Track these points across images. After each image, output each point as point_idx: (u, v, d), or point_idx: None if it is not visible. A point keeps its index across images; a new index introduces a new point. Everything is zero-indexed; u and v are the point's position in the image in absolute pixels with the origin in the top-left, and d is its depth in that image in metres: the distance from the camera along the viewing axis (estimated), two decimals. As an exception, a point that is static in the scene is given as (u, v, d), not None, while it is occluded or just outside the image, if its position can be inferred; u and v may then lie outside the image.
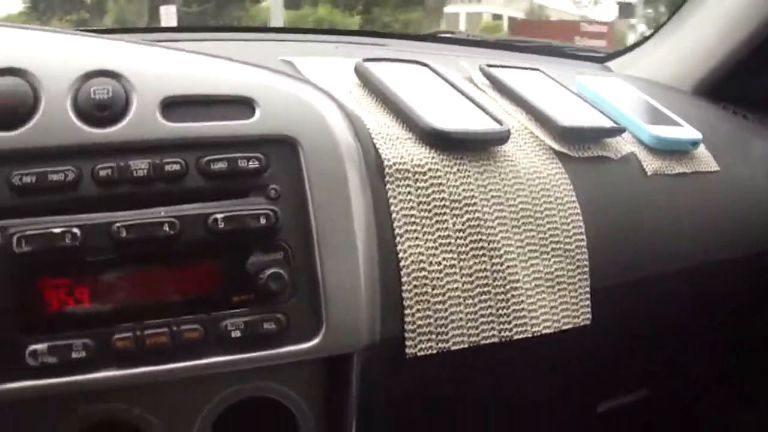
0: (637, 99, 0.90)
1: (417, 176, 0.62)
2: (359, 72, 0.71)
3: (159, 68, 0.57)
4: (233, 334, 0.53)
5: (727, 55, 1.05)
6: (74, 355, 0.50)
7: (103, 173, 0.52)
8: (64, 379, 0.50)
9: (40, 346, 0.49)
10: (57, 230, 0.50)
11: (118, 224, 0.51)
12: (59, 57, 0.54)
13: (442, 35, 1.09)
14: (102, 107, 0.53)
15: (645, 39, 1.12)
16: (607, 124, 0.78)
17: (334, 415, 0.59)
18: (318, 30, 1.15)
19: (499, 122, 0.69)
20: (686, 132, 0.86)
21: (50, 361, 0.49)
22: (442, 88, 0.73)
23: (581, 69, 1.06)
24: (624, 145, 0.80)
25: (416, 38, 1.09)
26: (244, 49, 0.86)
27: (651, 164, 0.80)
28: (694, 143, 0.85)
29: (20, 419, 0.51)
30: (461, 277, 0.63)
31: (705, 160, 0.86)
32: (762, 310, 0.94)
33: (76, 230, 0.50)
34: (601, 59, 1.12)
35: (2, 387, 0.48)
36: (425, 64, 0.76)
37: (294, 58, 0.74)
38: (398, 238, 0.61)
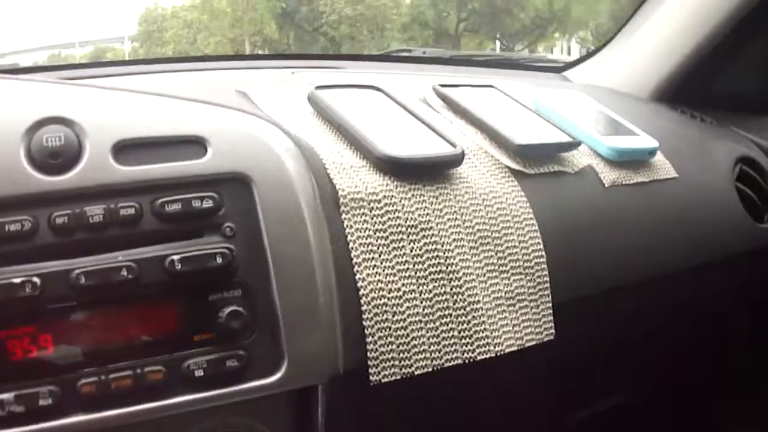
0: (594, 110, 0.91)
1: (372, 204, 0.63)
2: (312, 100, 0.71)
3: (110, 112, 0.57)
4: (196, 374, 0.53)
5: (682, 58, 1.06)
6: (41, 402, 0.50)
7: (59, 221, 0.52)
8: (31, 427, 0.50)
9: (6, 396, 0.49)
10: (17, 280, 0.50)
11: (77, 271, 0.51)
12: (12, 105, 0.54)
13: (398, 54, 1.09)
14: (55, 155, 0.53)
15: (602, 46, 1.13)
16: (563, 138, 0.79)
17: None
18: (273, 56, 1.15)
19: (453, 144, 0.69)
20: (642, 141, 0.86)
21: (17, 410, 0.49)
22: (395, 113, 0.74)
23: (539, 81, 1.06)
24: (580, 158, 0.80)
25: (372, 59, 1.09)
26: (201, 80, 0.86)
27: (608, 176, 0.81)
28: (651, 152, 0.86)
29: None
30: (421, 302, 0.63)
31: (663, 167, 0.87)
32: (730, 313, 0.95)
33: (36, 279, 0.50)
34: (559, 69, 1.13)
35: None
36: (378, 89, 0.77)
37: (248, 89, 0.74)
38: (356, 267, 0.61)
